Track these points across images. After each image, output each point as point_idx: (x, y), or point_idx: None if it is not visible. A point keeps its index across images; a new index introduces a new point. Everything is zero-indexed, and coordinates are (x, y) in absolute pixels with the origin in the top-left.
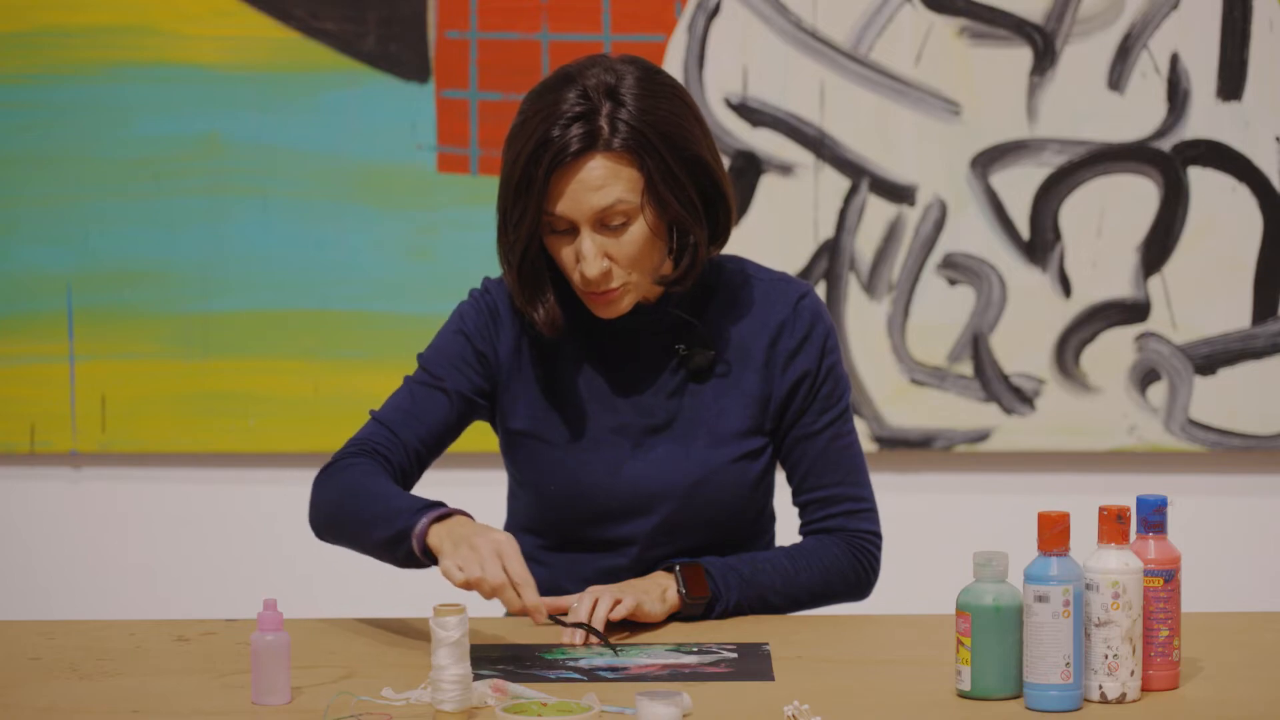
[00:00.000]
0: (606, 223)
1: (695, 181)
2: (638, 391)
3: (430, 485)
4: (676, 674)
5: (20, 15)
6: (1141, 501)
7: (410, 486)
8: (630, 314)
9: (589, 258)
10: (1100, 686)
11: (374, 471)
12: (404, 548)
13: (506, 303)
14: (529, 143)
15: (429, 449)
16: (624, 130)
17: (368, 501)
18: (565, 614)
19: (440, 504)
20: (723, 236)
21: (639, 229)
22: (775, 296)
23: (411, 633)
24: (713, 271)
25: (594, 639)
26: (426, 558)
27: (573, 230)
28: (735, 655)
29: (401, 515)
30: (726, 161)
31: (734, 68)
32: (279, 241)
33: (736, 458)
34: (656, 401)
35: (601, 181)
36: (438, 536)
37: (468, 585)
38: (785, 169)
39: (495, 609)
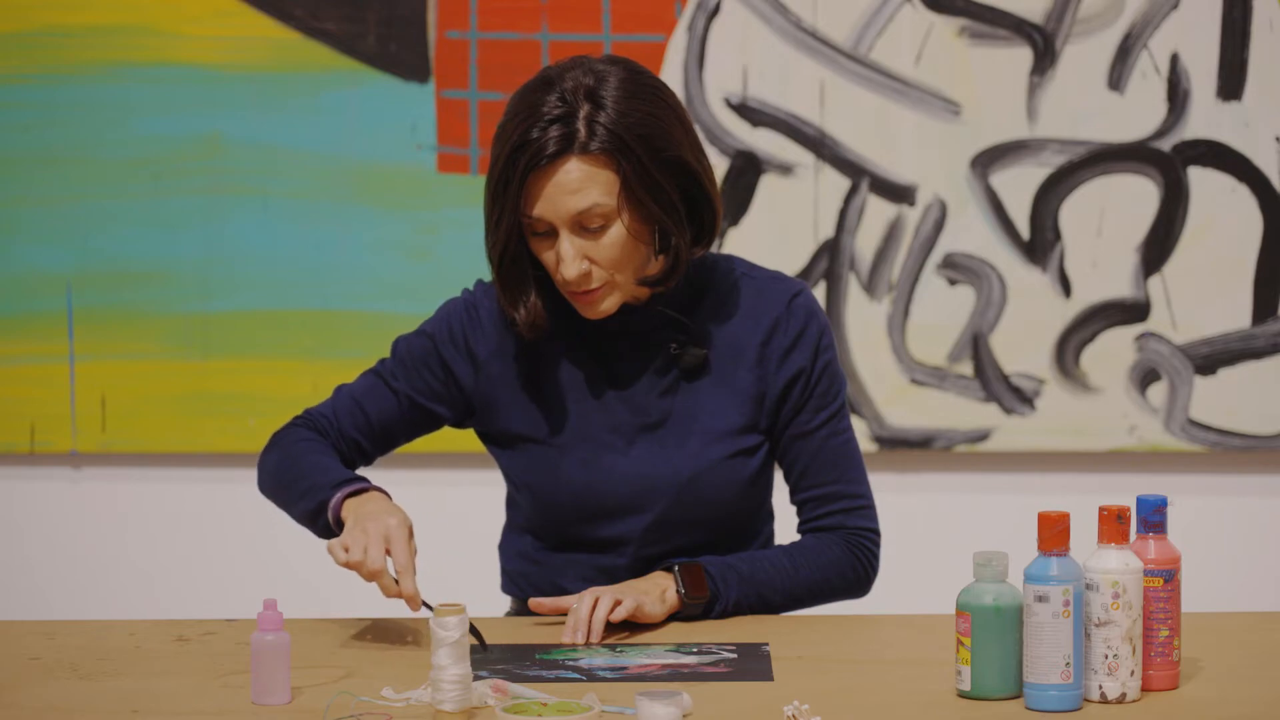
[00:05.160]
0: (585, 225)
1: (677, 183)
2: (631, 390)
3: (432, 485)
4: (676, 674)
5: (20, 15)
6: (1141, 501)
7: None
8: (620, 314)
9: (567, 260)
10: (1100, 686)
11: (315, 443)
12: (322, 520)
13: (493, 306)
14: (507, 144)
15: (372, 443)
16: (601, 133)
17: (301, 473)
18: (564, 614)
19: (359, 479)
20: (708, 237)
21: (618, 231)
22: (769, 294)
23: (411, 633)
24: (705, 271)
25: (596, 640)
26: (341, 531)
27: (553, 232)
28: (735, 655)
29: (322, 489)
30: (726, 162)
31: (734, 68)
32: (279, 241)
33: (730, 455)
34: (650, 400)
35: (578, 184)
36: (346, 511)
37: (348, 566)
38: (785, 169)
39: (495, 609)
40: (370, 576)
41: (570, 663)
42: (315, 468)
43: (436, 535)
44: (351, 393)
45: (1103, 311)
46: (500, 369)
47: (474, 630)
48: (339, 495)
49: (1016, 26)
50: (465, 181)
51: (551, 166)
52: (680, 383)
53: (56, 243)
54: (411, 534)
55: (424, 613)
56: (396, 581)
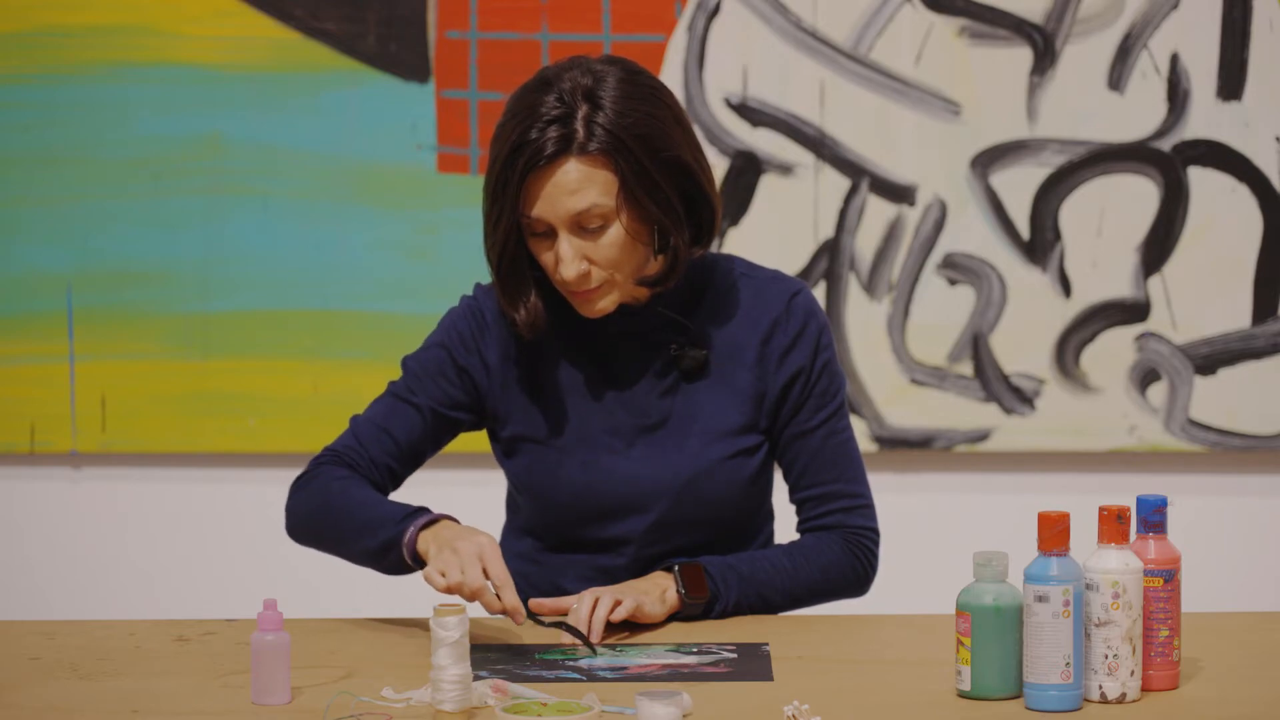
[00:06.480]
0: (583, 225)
1: (675, 183)
2: (631, 392)
3: (431, 485)
4: (676, 674)
5: (20, 15)
6: (1141, 501)
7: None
8: (620, 315)
9: (566, 260)
10: (1100, 686)
11: (352, 480)
12: (393, 556)
13: (496, 308)
14: (506, 145)
15: (402, 464)
16: (600, 134)
17: (351, 510)
18: (565, 614)
19: (424, 509)
20: (707, 237)
21: (616, 231)
22: (768, 294)
23: (411, 633)
24: (705, 271)
25: (596, 640)
26: (416, 564)
27: (551, 233)
28: (735, 655)
29: (388, 524)
30: (726, 162)
31: (734, 68)
32: (279, 241)
33: (730, 455)
34: (650, 401)
35: (576, 185)
36: (425, 542)
37: (449, 590)
38: (785, 169)
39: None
40: (473, 596)
41: (570, 663)
42: (368, 504)
43: None
44: (372, 419)
45: (1103, 311)
46: (506, 371)
47: (574, 631)
48: (413, 529)
49: (1016, 26)
50: (465, 181)
51: (550, 167)
52: (680, 383)
53: (56, 243)
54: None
55: (525, 623)
56: (498, 597)
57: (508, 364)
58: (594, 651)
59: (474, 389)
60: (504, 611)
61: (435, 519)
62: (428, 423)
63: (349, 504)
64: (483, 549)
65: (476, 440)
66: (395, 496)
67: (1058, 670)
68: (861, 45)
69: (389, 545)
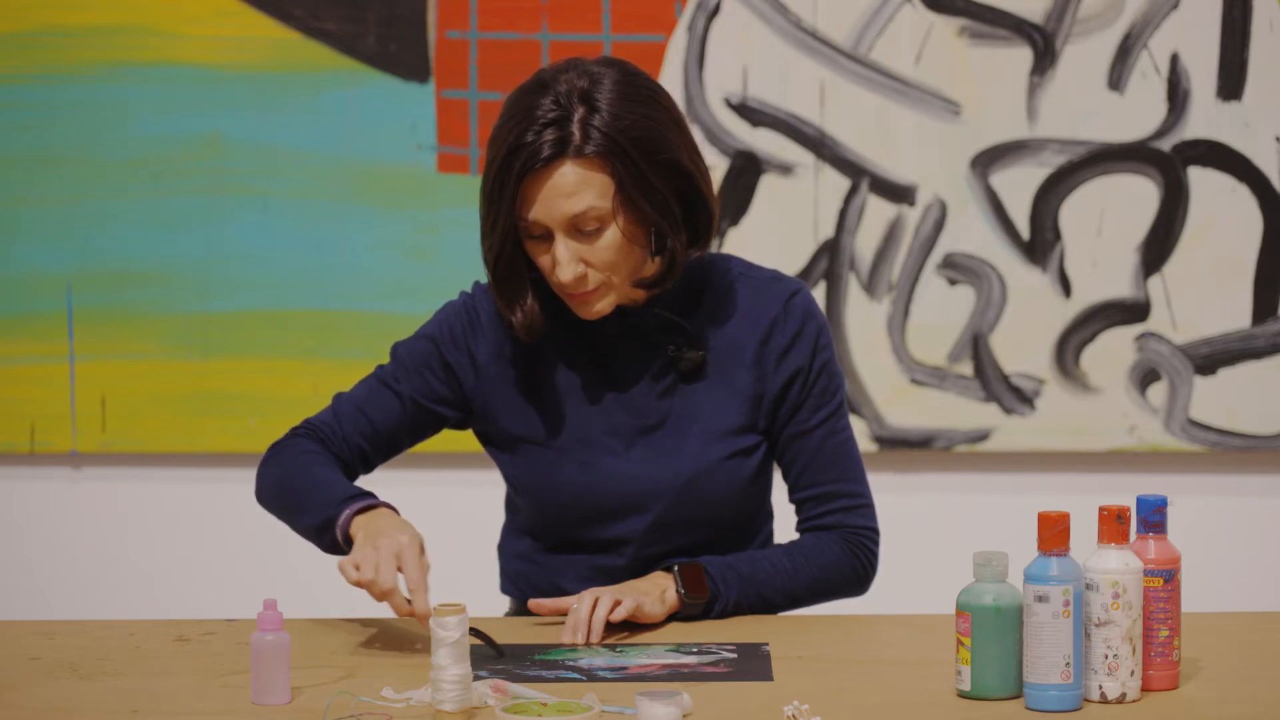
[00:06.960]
0: (580, 228)
1: (672, 186)
2: (629, 393)
3: (431, 485)
4: (676, 674)
5: (20, 15)
6: (1141, 501)
7: (354, 479)
8: (617, 316)
9: (563, 263)
10: (1100, 686)
11: (317, 455)
12: (329, 536)
13: (492, 308)
14: (502, 148)
15: (375, 448)
16: (596, 136)
17: (304, 486)
18: (564, 614)
19: (367, 494)
20: (704, 239)
21: (613, 234)
22: (766, 295)
23: (411, 633)
24: (703, 271)
25: (596, 640)
26: (349, 548)
27: (548, 235)
28: (735, 655)
29: (330, 504)
30: (726, 162)
31: (734, 68)
32: (279, 241)
33: (729, 455)
34: (648, 402)
35: (573, 188)
36: (356, 528)
37: (359, 585)
38: (785, 169)
39: (495, 609)
40: (382, 596)
41: (570, 663)
42: (320, 482)
43: (436, 535)
44: (353, 399)
45: (1103, 311)
46: (499, 371)
47: (483, 636)
48: (348, 512)
49: (1016, 26)
50: (465, 181)
51: (546, 170)
52: (678, 384)
53: (56, 243)
54: (423, 550)
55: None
56: (409, 600)
57: (501, 364)
58: (500, 654)
59: (458, 386)
60: (412, 614)
61: (373, 505)
62: (407, 412)
63: (307, 480)
64: (402, 548)
65: (477, 440)
66: (391, 493)
67: (1058, 670)
68: (861, 45)
69: (326, 525)
